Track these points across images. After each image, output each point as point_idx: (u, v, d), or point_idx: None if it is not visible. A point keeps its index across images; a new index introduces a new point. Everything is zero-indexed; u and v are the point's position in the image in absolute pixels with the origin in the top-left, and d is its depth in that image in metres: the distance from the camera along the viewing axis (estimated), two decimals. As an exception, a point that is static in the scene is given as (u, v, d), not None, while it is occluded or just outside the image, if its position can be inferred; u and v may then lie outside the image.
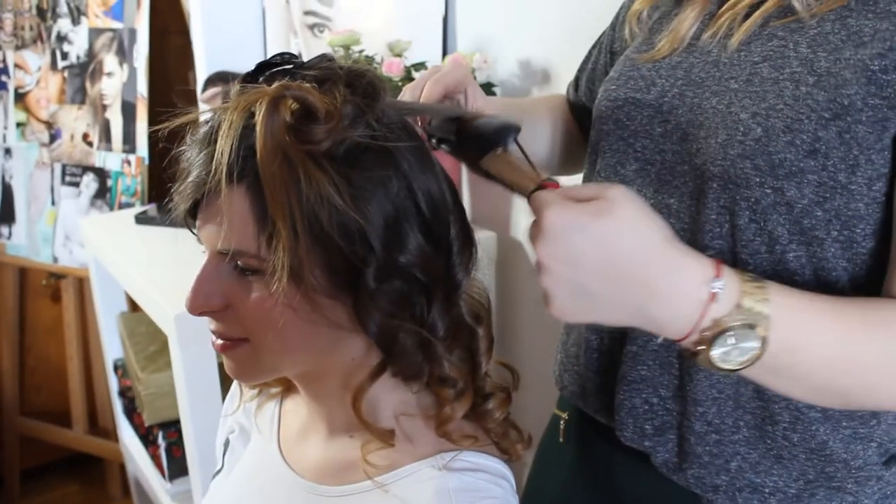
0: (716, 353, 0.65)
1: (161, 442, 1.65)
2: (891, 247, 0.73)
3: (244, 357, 0.76)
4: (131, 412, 1.85)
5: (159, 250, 1.62)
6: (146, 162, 2.06)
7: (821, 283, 0.74)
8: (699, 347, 0.65)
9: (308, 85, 0.70)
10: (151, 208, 1.80)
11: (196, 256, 1.59)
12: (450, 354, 0.77)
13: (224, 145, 0.68)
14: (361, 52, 1.62)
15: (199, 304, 0.74)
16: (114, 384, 1.94)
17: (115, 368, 1.91)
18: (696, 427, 0.82)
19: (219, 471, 0.96)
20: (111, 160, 2.10)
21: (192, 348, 1.35)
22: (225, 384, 1.42)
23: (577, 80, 1.11)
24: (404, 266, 0.71)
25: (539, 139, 1.05)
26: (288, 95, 0.69)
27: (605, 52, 1.04)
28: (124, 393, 1.88)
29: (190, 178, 0.72)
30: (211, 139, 0.71)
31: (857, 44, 0.71)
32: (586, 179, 0.96)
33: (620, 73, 0.89)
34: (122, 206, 2.09)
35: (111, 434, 2.46)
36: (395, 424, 0.78)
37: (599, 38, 1.08)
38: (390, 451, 0.76)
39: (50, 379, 2.58)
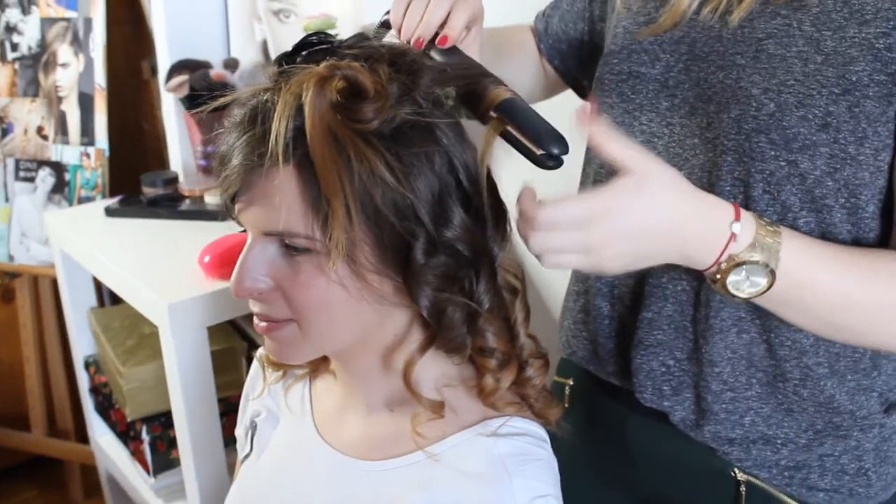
0: (730, 281, 0.74)
1: (145, 436, 1.62)
2: (895, 208, 0.79)
3: (290, 337, 0.77)
4: (107, 409, 1.81)
5: (136, 242, 1.59)
6: (106, 154, 2.01)
7: None
8: (717, 276, 0.74)
9: (357, 64, 0.71)
10: (120, 200, 1.77)
11: (175, 246, 1.61)
12: (490, 326, 0.80)
13: (279, 127, 0.68)
14: (336, 35, 1.62)
15: (246, 287, 0.75)
16: (84, 382, 1.89)
17: (87, 365, 1.87)
18: (713, 386, 0.86)
19: (247, 455, 0.96)
20: (68, 153, 2.05)
21: (186, 337, 1.33)
22: (219, 372, 1.42)
23: (547, 17, 1.11)
24: (451, 240, 0.73)
25: (519, 80, 1.07)
26: (338, 75, 0.70)
27: None
28: (98, 390, 1.84)
29: (235, 162, 0.72)
30: (255, 121, 0.72)
31: (860, 21, 0.76)
32: (589, 153, 0.99)
33: (622, 46, 0.91)
34: (81, 201, 2.04)
35: (71, 435, 2.41)
36: (438, 396, 0.80)
37: None
38: (437, 422, 0.78)
39: (3, 381, 2.50)
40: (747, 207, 0.80)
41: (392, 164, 0.69)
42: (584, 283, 0.98)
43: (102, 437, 1.92)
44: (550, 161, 0.72)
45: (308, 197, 0.69)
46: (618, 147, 0.72)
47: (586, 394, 1.04)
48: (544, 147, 0.72)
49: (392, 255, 0.72)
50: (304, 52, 0.75)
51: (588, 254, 0.72)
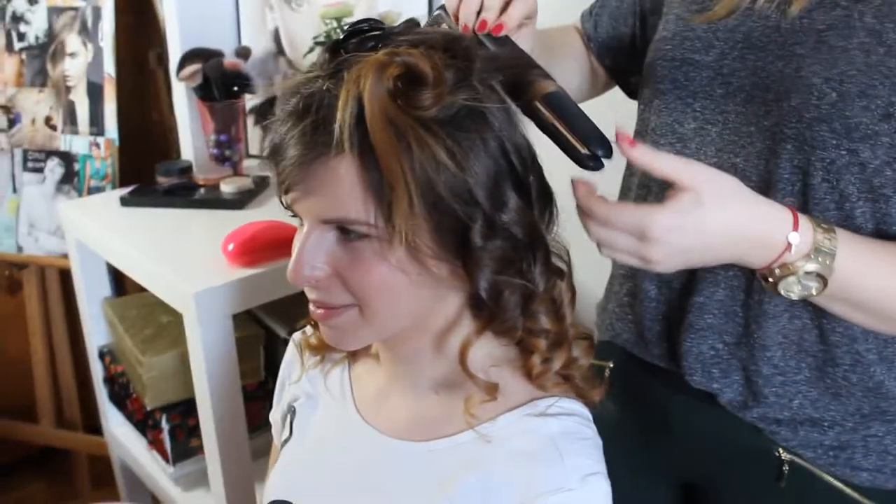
0: (782, 286, 0.76)
1: (164, 425, 1.63)
2: None
3: (350, 323, 0.78)
4: (123, 398, 1.82)
5: (154, 231, 1.59)
6: (116, 144, 2.00)
7: (881, 236, 0.81)
8: (769, 279, 0.77)
9: (416, 50, 0.71)
10: (134, 189, 1.76)
11: (194, 234, 1.63)
12: (541, 307, 0.81)
13: (343, 115, 0.68)
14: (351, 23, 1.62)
15: (305, 275, 0.75)
16: (99, 372, 1.89)
17: (102, 356, 1.87)
18: (764, 370, 0.88)
19: (287, 439, 0.96)
20: (78, 144, 2.04)
21: (211, 325, 1.34)
22: (242, 359, 1.42)
23: (596, 16, 1.11)
24: (507, 223, 0.74)
25: (570, 80, 1.07)
26: (397, 62, 0.70)
27: None
28: (114, 379, 1.84)
29: (292, 153, 0.72)
30: (312, 111, 0.71)
31: None
32: (637, 136, 0.99)
33: (675, 32, 0.92)
34: (90, 191, 2.03)
35: (79, 426, 2.41)
36: (486, 378, 0.80)
37: None
38: (486, 403, 0.79)
39: (9, 374, 2.49)
40: (805, 195, 0.81)
41: (452, 150, 0.69)
42: (630, 268, 0.99)
43: (117, 428, 1.92)
44: (592, 161, 0.74)
45: (369, 184, 0.69)
46: (668, 163, 0.74)
47: (628, 376, 1.04)
48: (590, 147, 0.73)
49: (450, 239, 0.73)
50: (354, 40, 0.75)
51: (642, 261, 0.75)
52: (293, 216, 0.79)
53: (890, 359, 0.85)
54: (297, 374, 0.98)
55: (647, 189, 0.96)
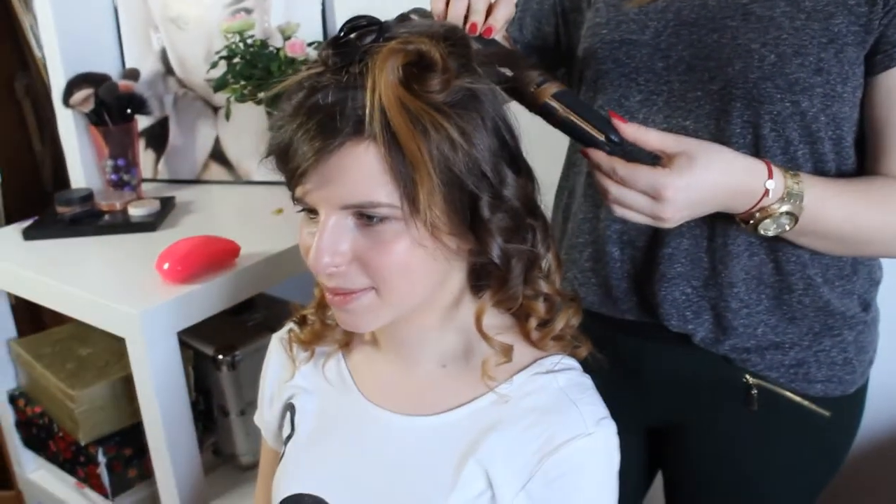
0: (760, 228, 0.89)
1: (101, 458, 1.58)
2: (867, 140, 0.95)
3: (368, 305, 0.82)
4: (45, 440, 1.74)
5: (71, 261, 1.55)
6: (-1, 179, 1.92)
7: (817, 173, 0.94)
8: (750, 221, 0.89)
9: (426, 39, 0.76)
10: (35, 222, 1.70)
11: (112, 260, 1.63)
12: (539, 273, 0.88)
13: (372, 101, 0.72)
14: (251, 36, 1.64)
15: (327, 262, 0.78)
16: (9, 417, 1.81)
17: (12, 399, 1.78)
18: (733, 305, 0.99)
19: (290, 436, 0.98)
20: (-46, 183, 1.94)
21: (158, 345, 1.33)
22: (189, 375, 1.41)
23: (519, 20, 1.18)
24: (509, 196, 0.81)
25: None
26: (411, 50, 0.75)
27: None
28: (32, 422, 1.75)
29: (306, 146, 0.75)
30: (324, 102, 0.75)
31: None
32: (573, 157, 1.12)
33: (608, 18, 1.01)
34: (-26, 230, 1.92)
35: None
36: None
37: None
38: (501, 365, 0.85)
39: None
40: (756, 146, 0.93)
41: (464, 129, 0.75)
42: (590, 235, 1.07)
43: (34, 473, 1.84)
44: (610, 146, 0.85)
45: (389, 167, 0.74)
46: (655, 135, 0.86)
47: (592, 335, 1.13)
48: (607, 133, 0.85)
49: (462, 214, 0.79)
50: (354, 34, 0.79)
51: (654, 219, 0.86)
52: (301, 210, 0.82)
53: (831, 280, 0.99)
54: (288, 372, 1.01)
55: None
